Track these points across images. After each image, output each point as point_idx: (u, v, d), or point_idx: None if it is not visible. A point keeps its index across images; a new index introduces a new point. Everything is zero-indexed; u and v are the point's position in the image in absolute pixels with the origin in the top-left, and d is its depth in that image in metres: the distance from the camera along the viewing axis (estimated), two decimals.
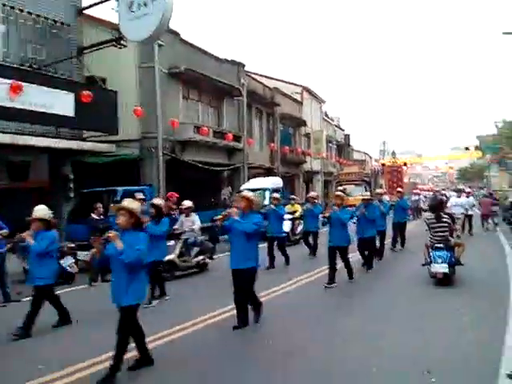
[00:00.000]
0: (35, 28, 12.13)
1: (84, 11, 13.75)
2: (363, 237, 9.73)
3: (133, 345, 4.61)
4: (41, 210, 6.09)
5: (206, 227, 11.45)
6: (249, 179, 20.62)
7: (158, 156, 15.47)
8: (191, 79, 17.63)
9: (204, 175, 18.14)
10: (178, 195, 12.30)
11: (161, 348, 5.13)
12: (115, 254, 4.31)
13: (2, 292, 7.93)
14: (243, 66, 21.91)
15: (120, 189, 11.45)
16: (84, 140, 13.15)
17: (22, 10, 11.76)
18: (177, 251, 9.38)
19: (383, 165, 30.65)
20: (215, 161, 18.98)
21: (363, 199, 10.11)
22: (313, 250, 12.08)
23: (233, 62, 21.27)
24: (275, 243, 10.87)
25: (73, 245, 10.11)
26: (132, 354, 4.65)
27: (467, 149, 48.29)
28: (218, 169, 19.33)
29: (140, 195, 10.56)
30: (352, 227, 9.81)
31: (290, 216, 14.00)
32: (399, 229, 13.09)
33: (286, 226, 12.94)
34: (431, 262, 8.00)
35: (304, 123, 31.27)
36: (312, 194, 13.39)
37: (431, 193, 35.15)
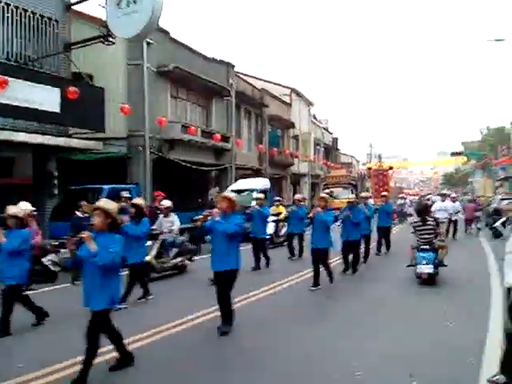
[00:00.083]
0: (22, 22, 11.94)
1: (72, 7, 13.57)
2: (348, 240, 9.67)
3: (110, 347, 4.54)
4: (14, 207, 5.95)
5: (190, 227, 11.37)
6: (236, 180, 20.59)
7: (145, 154, 15.35)
8: (180, 78, 17.54)
9: (191, 175, 18.06)
10: (164, 194, 12.24)
11: (137, 351, 4.98)
12: (88, 255, 4.15)
13: None
14: (232, 66, 21.89)
15: (106, 187, 11.32)
16: (70, 137, 12.98)
17: (8, 4, 11.55)
18: (154, 252, 9.03)
19: (369, 168, 30.86)
20: (203, 161, 18.90)
21: (348, 202, 10.09)
22: (298, 252, 12.06)
23: (222, 62, 21.24)
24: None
25: (56, 242, 9.95)
26: (112, 354, 4.59)
27: (454, 154, 48.88)
28: (206, 169, 19.25)
29: (126, 194, 10.44)
30: (336, 230, 9.81)
31: (274, 218, 13.91)
32: (383, 233, 13.13)
33: (270, 228, 12.86)
34: (417, 263, 8.42)
35: (292, 125, 31.35)
36: (298, 196, 13.39)
37: (417, 197, 35.54)
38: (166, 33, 17.04)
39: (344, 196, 21.46)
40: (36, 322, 6.10)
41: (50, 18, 12.65)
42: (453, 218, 16.13)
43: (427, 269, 8.24)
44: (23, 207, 8.36)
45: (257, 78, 29.55)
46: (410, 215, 26.17)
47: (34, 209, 8.62)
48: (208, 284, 7.59)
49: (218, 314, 5.88)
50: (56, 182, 12.88)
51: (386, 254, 12.94)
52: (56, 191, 12.84)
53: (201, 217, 5.92)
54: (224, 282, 5.72)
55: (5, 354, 5.16)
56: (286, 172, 30.80)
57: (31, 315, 6.14)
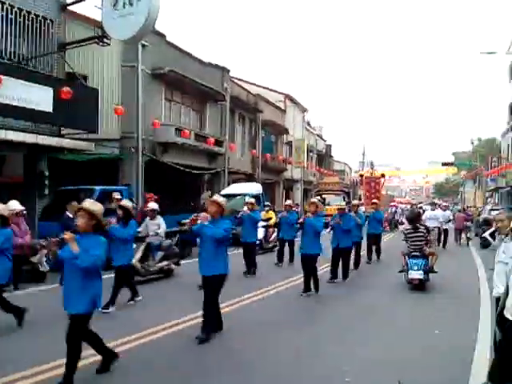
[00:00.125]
0: (17, 21, 11.87)
1: (68, 7, 13.54)
2: (338, 247, 9.55)
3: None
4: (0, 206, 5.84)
5: (181, 230, 11.24)
6: (229, 184, 20.58)
7: (137, 157, 15.29)
8: (174, 81, 17.53)
9: (184, 178, 18.01)
10: (156, 197, 12.19)
11: (124, 354, 4.86)
12: (70, 257, 4.04)
13: None
14: (228, 70, 21.93)
15: (97, 188, 11.24)
16: (62, 137, 12.89)
17: (3, 3, 11.49)
18: (138, 255, 8.78)
19: (361, 176, 30.98)
20: (196, 164, 18.87)
21: (339, 209, 10.02)
22: (289, 258, 12.00)
23: (217, 67, 21.27)
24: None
25: (44, 242, 9.85)
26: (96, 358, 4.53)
27: (445, 164, 49.29)
28: (199, 172, 19.21)
29: (117, 195, 10.36)
30: (326, 237, 9.76)
31: (264, 223, 13.80)
32: (374, 240, 13.14)
33: (260, 234, 12.75)
34: (408, 269, 8.75)
35: (286, 131, 31.44)
36: (288, 201, 13.31)
37: (408, 206, 35.75)
38: (162, 36, 17.05)
39: (336, 203, 21.53)
40: (17, 322, 5.95)
41: (45, 18, 12.60)
42: (443, 227, 16.25)
43: (418, 275, 8.56)
44: (12, 206, 8.31)
45: (251, 84, 29.64)
46: (402, 223, 26.35)
47: (23, 208, 8.55)
48: (197, 289, 7.52)
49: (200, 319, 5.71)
50: (47, 182, 12.77)
51: (377, 261, 12.96)
52: (47, 191, 12.73)
53: (187, 220, 5.84)
54: (211, 286, 5.64)
55: None
56: (279, 178, 30.85)
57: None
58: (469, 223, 19.00)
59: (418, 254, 8.87)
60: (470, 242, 18.16)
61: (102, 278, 4.33)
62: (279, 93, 33.03)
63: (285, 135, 32.04)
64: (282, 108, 32.14)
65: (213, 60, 21.23)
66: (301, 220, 8.58)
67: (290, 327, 6.23)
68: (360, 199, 27.17)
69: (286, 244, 12.13)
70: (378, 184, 27.38)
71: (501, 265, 4.54)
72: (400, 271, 9.27)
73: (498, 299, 4.34)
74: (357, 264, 11.42)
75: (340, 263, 9.69)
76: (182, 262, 10.77)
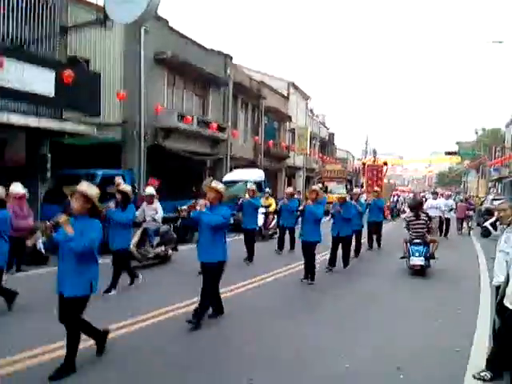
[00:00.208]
0: (19, 4, 11.73)
1: None
2: (338, 235, 9.49)
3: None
4: None
5: (177, 217, 11.13)
6: (231, 170, 20.53)
7: (139, 142, 15.25)
8: (177, 66, 17.39)
9: (186, 164, 17.97)
10: (159, 182, 12.16)
11: (119, 339, 4.91)
12: (64, 239, 4.00)
13: None
14: (231, 57, 21.71)
15: (99, 172, 11.24)
16: (64, 120, 12.84)
17: None
18: (134, 240, 8.63)
19: (364, 164, 30.85)
20: (198, 150, 18.81)
21: (339, 198, 9.91)
22: (290, 245, 11.97)
23: (220, 53, 21.06)
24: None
25: (38, 224, 9.83)
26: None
27: (449, 153, 49.08)
28: (201, 158, 19.16)
29: (120, 179, 10.35)
30: (326, 224, 9.72)
31: (264, 210, 13.62)
32: (375, 228, 13.12)
33: (259, 221, 12.66)
34: (409, 255, 9.11)
35: (289, 118, 31.26)
36: (289, 189, 13.22)
37: (411, 194, 35.73)
38: (165, 21, 16.85)
39: (338, 191, 21.47)
40: (7, 306, 5.91)
41: (47, 1, 12.44)
42: (445, 216, 16.24)
43: (419, 261, 8.93)
44: (15, 189, 8.34)
45: (254, 71, 29.40)
46: (404, 212, 26.34)
47: (25, 191, 8.56)
48: (196, 275, 7.49)
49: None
50: (49, 165, 12.76)
51: (378, 249, 12.99)
52: (49, 175, 12.72)
53: (185, 207, 5.77)
54: (209, 273, 5.61)
55: None
56: (282, 165, 30.77)
57: (22, 295, 6.08)
58: (471, 213, 18.99)
59: (419, 241, 9.17)
60: (471, 232, 18.17)
61: (98, 262, 4.29)
62: (282, 80, 32.77)
63: (288, 122, 31.86)
64: (285, 95, 31.91)
65: (216, 47, 21.03)
66: (301, 207, 8.52)
67: (288, 314, 6.25)
68: (362, 187, 27.15)
69: (287, 232, 12.09)
70: (381, 172, 27.28)
71: (502, 254, 4.55)
72: (402, 257, 9.63)
73: (498, 288, 4.36)
74: (357, 251, 11.45)
75: (340, 251, 9.68)
76: (183, 247, 10.80)
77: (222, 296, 6.13)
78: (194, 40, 18.93)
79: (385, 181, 29.16)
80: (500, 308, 4.06)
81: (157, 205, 9.25)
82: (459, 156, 53.34)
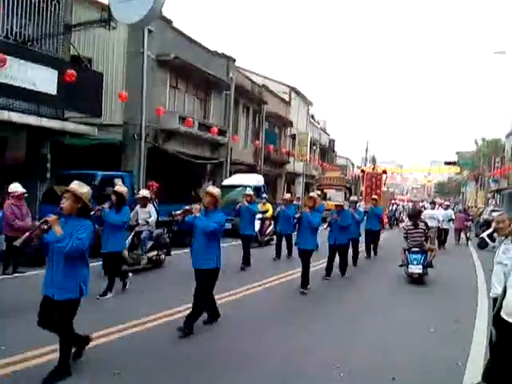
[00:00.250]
0: (23, 1, 11.76)
1: None
2: (335, 244, 9.43)
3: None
4: None
5: (171, 221, 11.00)
6: (231, 175, 20.52)
7: (140, 143, 15.25)
8: (180, 68, 17.41)
9: (186, 167, 17.95)
10: (158, 184, 12.14)
11: (105, 346, 4.84)
12: (52, 240, 3.90)
13: None
14: (234, 60, 21.76)
15: (99, 173, 11.21)
16: (66, 120, 12.85)
17: None
18: (126, 244, 8.30)
19: (363, 171, 30.86)
20: (198, 153, 18.81)
21: (336, 206, 9.90)
22: (287, 252, 11.90)
23: (223, 56, 21.10)
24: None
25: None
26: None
27: (448, 163, 49.14)
28: (201, 162, 19.16)
29: (119, 181, 10.34)
30: (323, 233, 9.69)
31: (260, 215, 13.48)
32: (372, 236, 13.05)
33: (256, 227, 12.44)
34: (408, 263, 9.30)
35: (290, 124, 31.30)
36: (287, 195, 13.20)
37: (410, 204, 35.76)
38: (169, 22, 16.90)
39: (337, 198, 21.44)
40: None
41: None
42: (444, 226, 16.15)
43: (417, 269, 9.13)
44: (14, 188, 8.31)
45: (256, 74, 29.43)
46: (402, 221, 26.34)
47: (24, 190, 8.54)
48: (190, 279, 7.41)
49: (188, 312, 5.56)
50: (49, 165, 12.75)
51: (374, 258, 12.91)
52: (48, 175, 12.70)
53: (179, 212, 5.65)
54: (202, 280, 5.48)
55: None
56: (282, 170, 30.77)
57: (17, 296, 6.04)
58: (469, 223, 18.97)
59: (417, 249, 9.38)
60: (469, 242, 18.15)
61: (89, 265, 4.20)
62: (284, 85, 32.83)
63: (289, 128, 31.89)
64: (287, 100, 31.97)
65: (219, 49, 21.07)
66: (298, 215, 8.39)
67: (284, 321, 6.20)
68: (361, 195, 27.16)
69: (284, 238, 11.96)
70: (380, 180, 27.31)
71: (499, 266, 4.54)
72: (400, 265, 9.77)
73: (495, 300, 4.34)
74: (355, 260, 11.41)
75: (337, 260, 9.62)
76: (178, 251, 10.70)
77: (217, 302, 6.07)
78: (197, 41, 18.97)
79: (384, 189, 29.18)
80: (497, 320, 4.04)
81: (151, 208, 9.10)
82: (458, 166, 53.46)
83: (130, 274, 7.50)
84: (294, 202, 15.18)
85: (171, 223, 11.58)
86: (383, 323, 6.33)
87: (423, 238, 9.65)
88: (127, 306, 6.54)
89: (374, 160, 47.60)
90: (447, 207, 17.50)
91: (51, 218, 3.93)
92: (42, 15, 12.24)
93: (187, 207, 5.61)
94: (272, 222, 14.10)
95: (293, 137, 33.12)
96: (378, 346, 5.30)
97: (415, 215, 10.25)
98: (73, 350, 4.24)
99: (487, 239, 16.59)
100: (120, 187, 7.45)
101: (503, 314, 3.91)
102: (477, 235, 19.32)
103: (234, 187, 16.69)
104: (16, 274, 8.12)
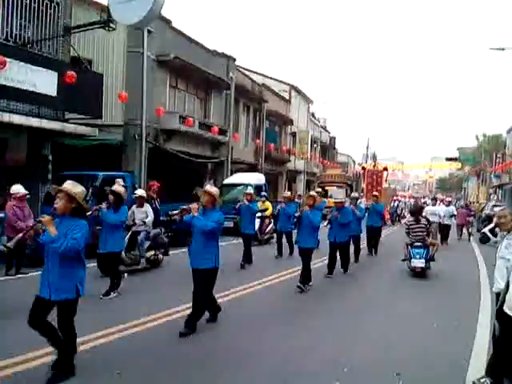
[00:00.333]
0: (23, 3, 11.77)
1: None
2: (335, 241, 9.37)
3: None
4: None
5: (169, 220, 10.97)
6: (232, 174, 20.54)
7: (141, 143, 15.27)
8: (179, 68, 17.42)
9: (187, 166, 17.98)
10: (159, 184, 12.14)
11: (104, 347, 4.83)
12: (47, 241, 3.88)
13: None
14: (234, 59, 21.76)
15: (100, 174, 11.23)
16: (66, 121, 12.87)
17: None
18: (124, 244, 8.25)
19: (364, 168, 30.81)
20: (199, 153, 18.83)
21: (336, 203, 9.84)
22: (289, 250, 11.90)
23: (223, 55, 21.10)
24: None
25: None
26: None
27: (450, 159, 49.08)
28: (202, 161, 19.17)
29: (120, 181, 10.34)
30: (324, 230, 9.66)
31: (260, 214, 13.37)
32: (373, 233, 12.99)
33: (255, 225, 12.40)
34: (410, 257, 9.50)
35: (291, 122, 31.29)
36: (287, 193, 13.16)
37: (412, 200, 35.72)
38: (168, 22, 16.90)
39: (338, 196, 21.41)
40: None
41: (51, 1, 12.47)
42: (445, 222, 16.13)
43: (420, 263, 9.34)
44: (16, 190, 8.34)
45: (257, 73, 29.43)
46: (404, 217, 26.32)
47: (26, 192, 8.57)
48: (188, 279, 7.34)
49: (189, 312, 5.56)
50: (50, 166, 12.77)
51: (375, 255, 12.82)
52: (50, 176, 12.72)
53: (176, 212, 5.62)
54: (201, 280, 5.44)
55: None
56: (282, 168, 30.78)
57: (19, 297, 6.04)
58: (471, 219, 18.97)
59: (419, 244, 9.58)
60: (471, 238, 18.15)
61: (85, 265, 4.19)
62: (284, 83, 32.82)
63: (289, 126, 31.88)
64: (287, 98, 31.96)
65: (219, 48, 21.06)
66: (298, 213, 8.34)
67: (286, 319, 6.21)
68: (362, 192, 27.13)
69: (284, 236, 11.91)
70: (381, 177, 27.26)
71: (502, 260, 4.54)
72: (403, 259, 9.99)
73: (498, 294, 4.35)
74: (357, 256, 11.42)
75: (339, 257, 9.61)
76: (176, 251, 10.66)
77: (218, 301, 6.07)
78: (197, 40, 18.97)
79: (385, 186, 29.14)
80: (500, 314, 4.05)
81: (147, 208, 9.06)
82: (460, 162, 53.39)
83: (126, 275, 7.46)
84: (296, 200, 15.18)
85: (170, 223, 11.60)
86: (385, 319, 6.34)
87: (425, 233, 9.87)
88: (127, 306, 6.54)
89: (374, 157, 47.48)
90: (449, 203, 17.45)
91: (45, 218, 3.91)
92: (41, 17, 12.24)
93: (184, 207, 5.58)
94: (272, 221, 14.09)
95: (293, 135, 33.13)
96: (380, 343, 5.31)
97: (417, 211, 10.45)
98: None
99: (489, 234, 16.59)
100: (118, 187, 7.41)
101: (506, 309, 3.92)
102: (479, 230, 19.31)
103: (235, 186, 16.71)
104: (19, 275, 8.15)
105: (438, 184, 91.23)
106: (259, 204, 13.40)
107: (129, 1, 10.61)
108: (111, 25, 11.97)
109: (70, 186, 4.05)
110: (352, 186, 31.34)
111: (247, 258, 10.21)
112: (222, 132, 19.97)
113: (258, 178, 18.18)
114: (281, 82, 32.55)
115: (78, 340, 4.26)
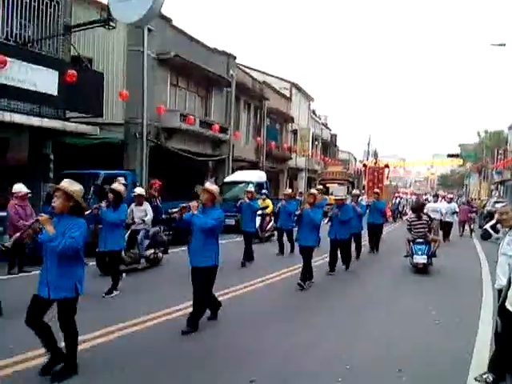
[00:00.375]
0: (23, 3, 11.77)
1: None
2: (336, 239, 9.36)
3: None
4: None
5: (169, 219, 10.96)
6: (233, 172, 20.54)
7: (142, 142, 15.27)
8: (180, 66, 17.41)
9: (188, 164, 17.98)
10: (160, 182, 12.15)
11: (105, 346, 4.83)
12: (46, 240, 3.86)
13: None
14: (234, 57, 21.73)
15: (102, 172, 11.24)
16: (67, 120, 12.88)
17: None
18: (124, 242, 8.19)
19: (365, 165, 30.79)
20: (200, 151, 18.82)
21: (337, 200, 9.79)
22: (290, 248, 11.87)
23: (223, 53, 21.08)
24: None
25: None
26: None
27: (451, 156, 48.99)
28: (203, 159, 19.17)
29: (122, 180, 10.35)
30: (325, 227, 9.65)
31: (260, 212, 13.30)
32: (374, 230, 12.93)
33: (256, 223, 12.33)
34: (412, 254, 9.59)
35: (292, 119, 31.26)
36: (287, 190, 13.14)
37: (413, 197, 35.71)
38: (168, 20, 16.88)
39: (340, 193, 21.36)
40: None
41: (51, 0, 12.48)
42: (447, 219, 16.06)
43: (422, 259, 9.40)
44: (18, 189, 8.35)
45: (257, 71, 29.39)
46: (406, 214, 26.33)
47: (28, 191, 8.58)
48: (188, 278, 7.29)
49: (189, 310, 5.58)
50: (52, 165, 12.79)
51: (376, 252, 12.74)
52: (51, 175, 12.74)
53: (175, 210, 5.58)
54: (201, 278, 5.42)
55: None
56: (284, 166, 30.76)
57: (21, 297, 6.04)
58: (473, 215, 18.95)
59: (421, 240, 9.65)
60: (473, 234, 18.14)
61: (84, 264, 4.18)
62: (285, 81, 32.76)
63: (290, 123, 31.85)
64: (288, 96, 31.91)
65: (219, 46, 21.03)
66: (298, 211, 8.29)
67: (288, 316, 6.21)
68: (363, 189, 27.12)
69: (285, 233, 11.91)
70: (382, 174, 27.26)
71: (504, 257, 4.54)
72: (405, 256, 10.10)
73: (500, 291, 4.35)
74: (358, 254, 11.42)
75: (340, 255, 9.61)
76: (176, 249, 10.65)
77: (219, 299, 6.07)
78: (197, 39, 18.95)
79: (387, 183, 29.14)
80: (502, 311, 4.06)
81: (147, 206, 9.01)
82: (461, 158, 53.29)
83: (124, 275, 7.46)
84: (297, 198, 15.17)
85: (170, 221, 11.60)
86: (387, 316, 6.34)
87: (426, 230, 9.94)
88: (126, 304, 6.53)
89: (375, 154, 47.45)
90: (451, 200, 17.42)
91: (42, 217, 3.89)
92: (41, 16, 12.24)
93: (184, 205, 5.56)
94: (272, 218, 14.09)
95: (294, 132, 33.10)
96: (381, 339, 5.31)
97: (418, 208, 10.58)
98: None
99: (490, 230, 16.50)
100: (118, 185, 7.40)
101: (508, 305, 3.93)
102: (480, 227, 19.31)
103: (236, 184, 16.70)
104: (21, 274, 8.18)
105: (439, 181, 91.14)
106: (259, 202, 13.39)
107: None
108: (111, 23, 11.95)
109: (67, 184, 4.01)
110: (353, 183, 31.32)
111: (248, 256, 10.23)
112: (223, 130, 19.97)
113: (259, 176, 18.18)
114: (281, 79, 32.49)
115: (78, 339, 4.24)
